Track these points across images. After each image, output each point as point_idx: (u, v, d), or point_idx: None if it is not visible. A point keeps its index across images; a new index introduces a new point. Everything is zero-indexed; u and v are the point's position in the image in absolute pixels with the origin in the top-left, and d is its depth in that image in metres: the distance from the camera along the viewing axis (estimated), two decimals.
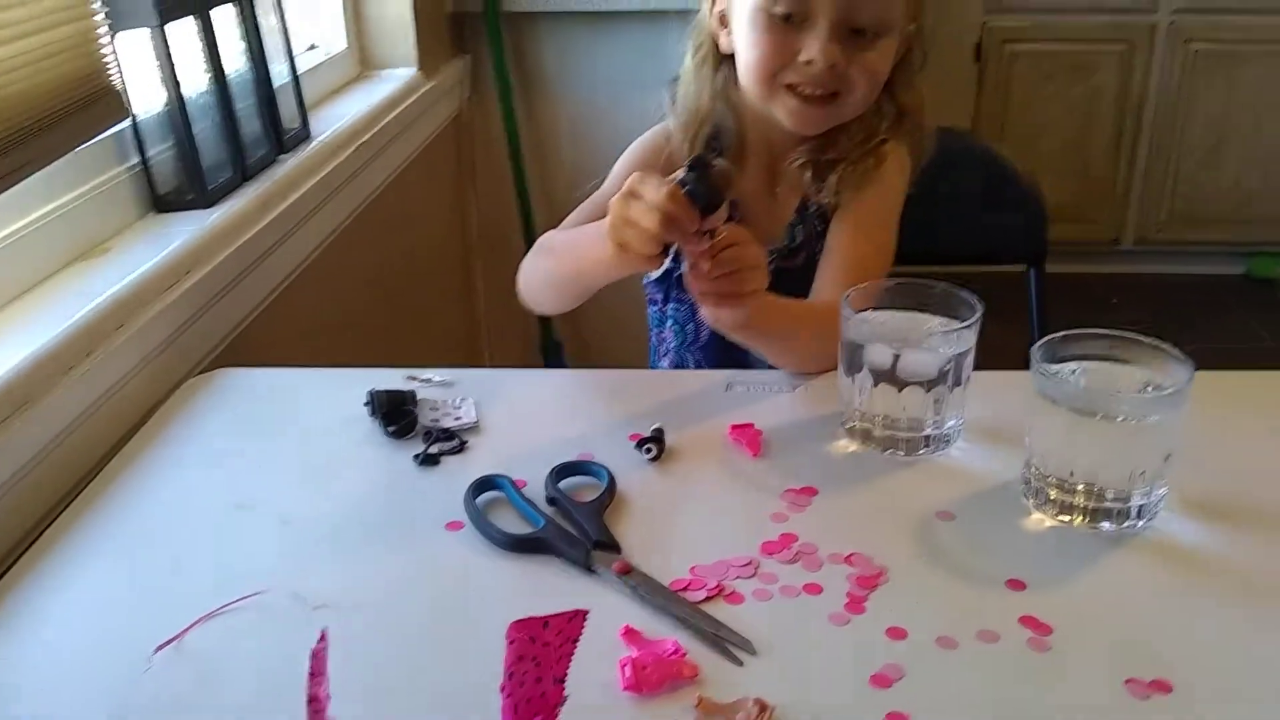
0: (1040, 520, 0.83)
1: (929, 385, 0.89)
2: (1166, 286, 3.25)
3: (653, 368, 1.31)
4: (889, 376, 0.90)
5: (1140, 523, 0.81)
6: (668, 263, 0.96)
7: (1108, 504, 0.81)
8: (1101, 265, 3.25)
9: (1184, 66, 3.03)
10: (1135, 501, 0.81)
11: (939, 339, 0.90)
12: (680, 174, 0.90)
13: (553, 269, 1.14)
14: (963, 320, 0.91)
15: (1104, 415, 0.79)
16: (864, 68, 1.08)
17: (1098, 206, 3.21)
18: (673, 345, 1.26)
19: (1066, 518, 0.82)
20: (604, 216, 1.02)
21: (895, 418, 0.91)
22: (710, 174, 0.90)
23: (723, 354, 1.21)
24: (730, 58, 1.16)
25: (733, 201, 0.96)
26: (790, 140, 1.16)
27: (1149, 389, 0.82)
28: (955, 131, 1.70)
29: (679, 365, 1.26)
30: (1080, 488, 0.81)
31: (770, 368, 1.09)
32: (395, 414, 0.97)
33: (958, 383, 0.90)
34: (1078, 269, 3.14)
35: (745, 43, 1.11)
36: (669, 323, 1.26)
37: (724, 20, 1.14)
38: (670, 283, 1.24)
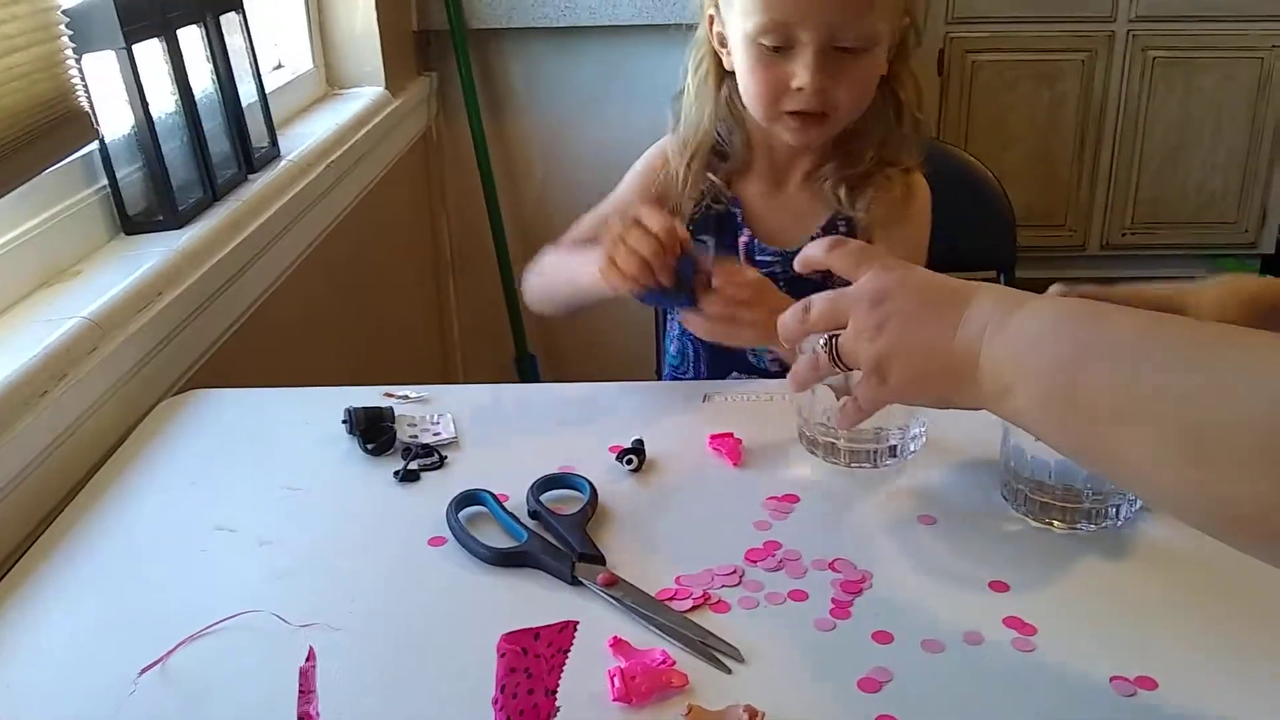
0: (1020, 522, 0.83)
1: None
2: None
3: (666, 346, 1.35)
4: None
5: (1119, 522, 0.82)
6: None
7: (1086, 505, 0.82)
8: (1069, 270, 3.28)
9: (1144, 74, 3.08)
10: (1112, 502, 0.82)
11: None
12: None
13: (548, 287, 1.22)
14: None
15: None
16: (851, 84, 1.12)
17: (1064, 213, 3.24)
18: (677, 332, 1.30)
19: (1045, 519, 0.83)
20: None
21: (860, 429, 0.88)
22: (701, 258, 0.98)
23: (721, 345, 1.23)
24: (733, 73, 1.19)
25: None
26: (793, 147, 1.20)
27: None
28: None
29: (681, 351, 1.30)
30: (1059, 490, 0.82)
31: (749, 376, 1.10)
32: (373, 431, 0.97)
33: None
34: (1046, 274, 3.16)
35: (742, 72, 1.15)
36: (675, 329, 1.30)
37: (724, 41, 1.18)
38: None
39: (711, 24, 1.19)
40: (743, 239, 1.22)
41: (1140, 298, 0.77)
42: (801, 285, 1.19)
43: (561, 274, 1.19)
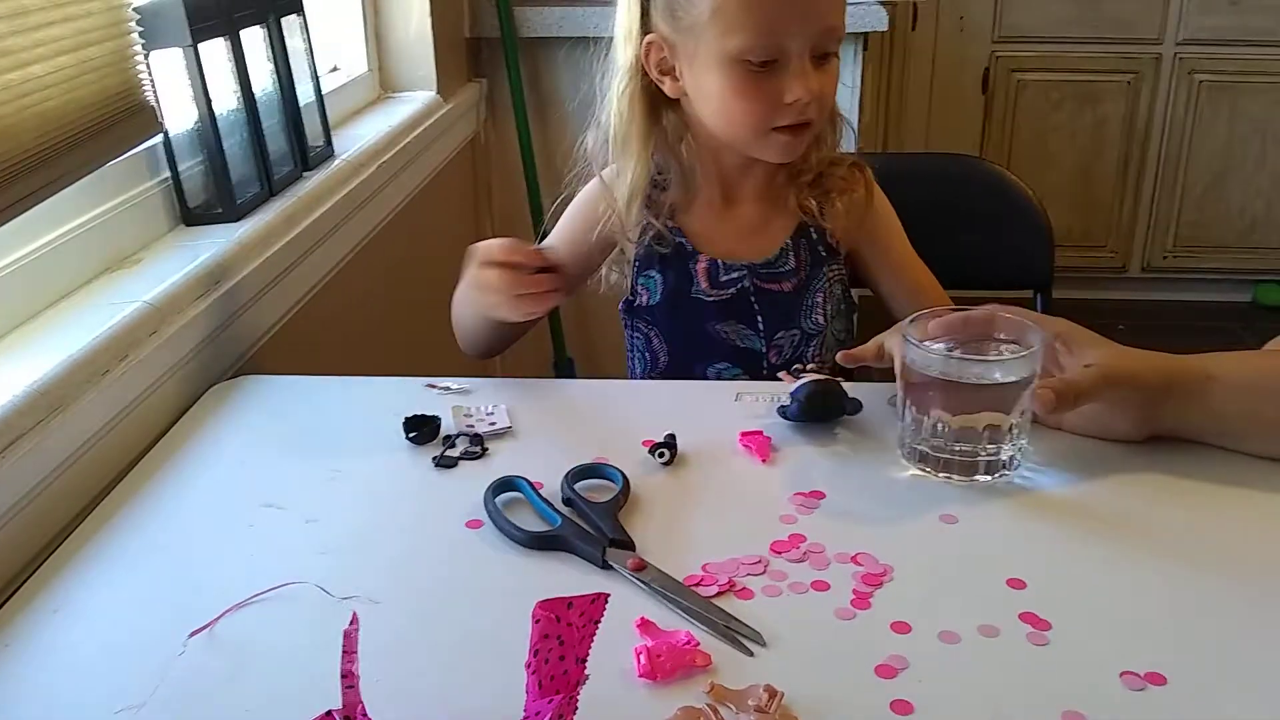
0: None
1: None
2: (1173, 313, 3.28)
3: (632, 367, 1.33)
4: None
5: (1011, 473, 0.91)
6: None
7: (981, 459, 0.90)
8: (1109, 292, 3.29)
9: (1189, 97, 3.08)
10: (1004, 454, 0.90)
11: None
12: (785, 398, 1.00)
13: (462, 317, 1.21)
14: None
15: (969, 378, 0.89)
16: (830, 88, 1.12)
17: (1105, 234, 3.25)
18: (638, 372, 1.29)
19: (946, 473, 0.91)
20: None
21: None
22: (810, 398, 0.99)
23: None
24: (674, 102, 1.16)
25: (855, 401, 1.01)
26: (741, 161, 1.18)
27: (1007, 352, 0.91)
28: (964, 157, 1.74)
29: (645, 364, 1.29)
30: (957, 448, 0.90)
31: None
32: (418, 423, 1.00)
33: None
34: (1085, 295, 3.18)
35: (722, 97, 1.10)
36: (633, 351, 1.28)
37: (665, 67, 1.14)
38: (631, 312, 1.26)
39: (649, 52, 1.14)
40: (701, 265, 1.20)
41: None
42: (771, 296, 1.20)
43: (466, 312, 1.19)
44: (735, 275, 1.20)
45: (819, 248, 1.21)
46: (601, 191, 1.22)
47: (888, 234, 1.24)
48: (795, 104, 1.08)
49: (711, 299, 1.20)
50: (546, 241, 1.26)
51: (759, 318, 1.20)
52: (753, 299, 1.20)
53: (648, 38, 1.14)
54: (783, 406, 1.00)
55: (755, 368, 1.22)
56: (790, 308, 1.21)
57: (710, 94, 1.11)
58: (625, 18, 1.16)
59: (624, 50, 1.17)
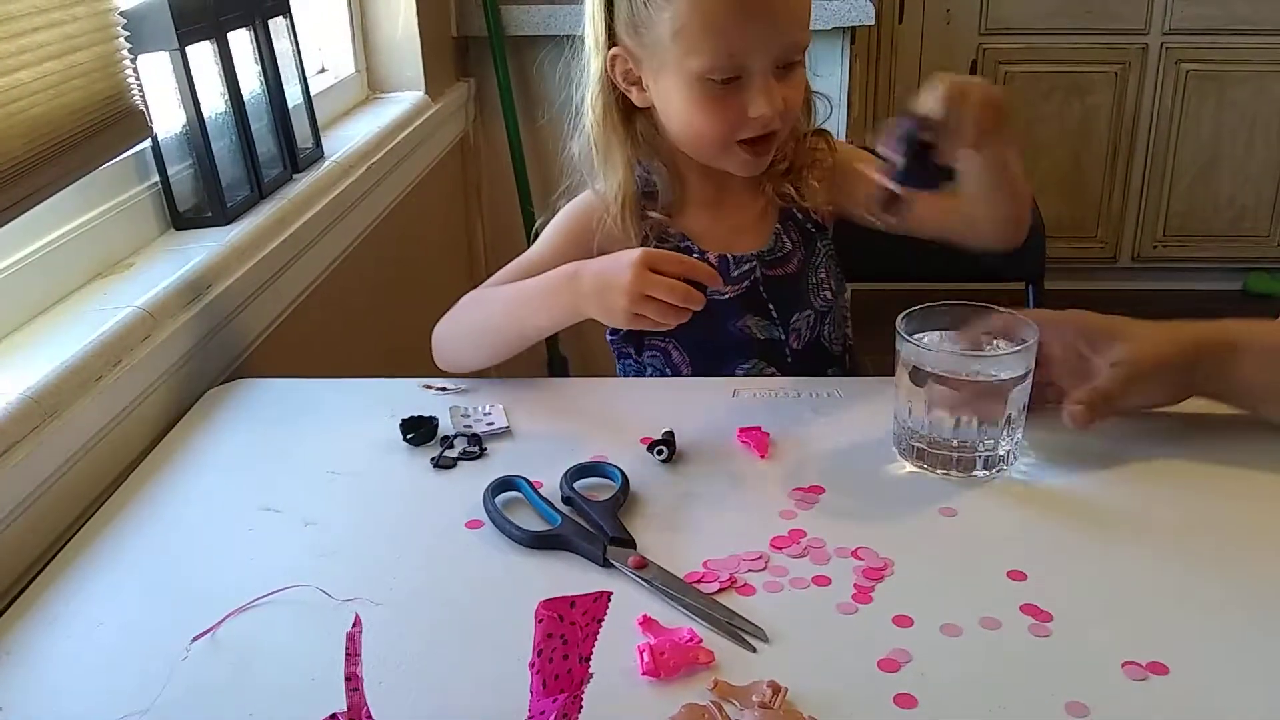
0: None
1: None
2: (1164, 303, 3.28)
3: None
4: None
5: (1009, 468, 0.91)
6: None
7: (980, 454, 0.90)
8: (1099, 282, 3.29)
9: (1176, 87, 3.09)
10: (1002, 449, 0.90)
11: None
12: (894, 154, 0.98)
13: (490, 321, 1.14)
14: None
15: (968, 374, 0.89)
16: (794, 97, 1.11)
17: (1094, 224, 3.25)
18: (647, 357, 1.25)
19: (944, 470, 0.91)
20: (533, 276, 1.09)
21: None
22: (925, 156, 0.97)
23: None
24: (643, 110, 1.16)
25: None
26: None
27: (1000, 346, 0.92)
28: None
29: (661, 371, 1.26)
30: (954, 443, 0.90)
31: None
32: (415, 424, 1.00)
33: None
34: (1076, 285, 3.17)
35: (685, 111, 1.10)
36: (649, 372, 1.25)
37: (631, 78, 1.14)
38: (640, 333, 1.22)
39: (614, 64, 1.13)
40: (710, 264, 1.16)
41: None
42: (778, 282, 1.20)
43: (502, 318, 1.12)
44: (747, 268, 1.19)
45: (807, 225, 1.22)
46: (593, 203, 1.20)
47: (862, 178, 1.18)
48: (760, 118, 1.08)
49: (727, 295, 1.18)
50: (531, 259, 1.19)
51: (769, 305, 1.20)
52: (762, 289, 1.20)
53: (613, 50, 1.13)
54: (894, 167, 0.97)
55: (779, 358, 1.21)
56: (798, 288, 1.21)
57: (674, 108, 1.12)
58: (592, 29, 1.16)
59: (594, 61, 1.16)
